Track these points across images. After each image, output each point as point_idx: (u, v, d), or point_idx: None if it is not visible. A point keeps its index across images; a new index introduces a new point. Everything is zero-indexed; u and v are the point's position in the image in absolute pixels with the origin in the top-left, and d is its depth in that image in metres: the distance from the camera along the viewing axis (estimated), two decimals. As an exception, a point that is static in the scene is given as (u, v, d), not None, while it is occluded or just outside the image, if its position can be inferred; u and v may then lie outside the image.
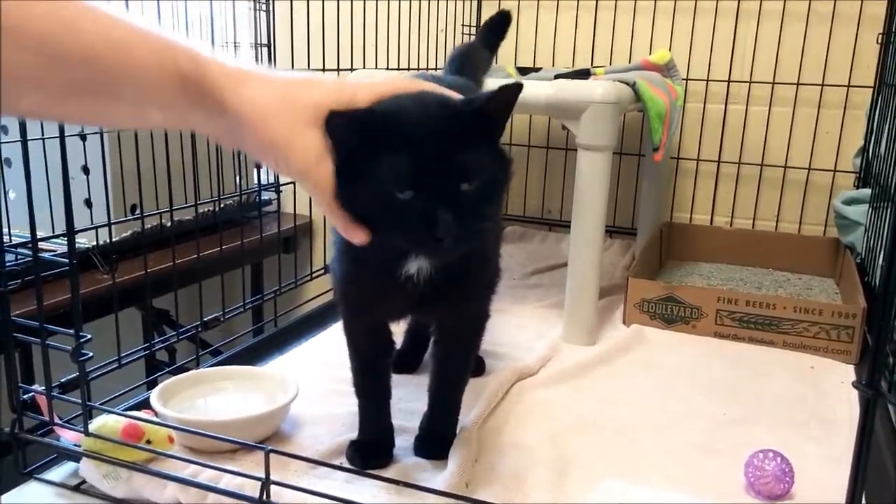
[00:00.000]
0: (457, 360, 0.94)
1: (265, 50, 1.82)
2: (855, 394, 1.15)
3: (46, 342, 0.83)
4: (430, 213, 0.66)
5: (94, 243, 1.42)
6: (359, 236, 0.69)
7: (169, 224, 1.39)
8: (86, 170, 1.50)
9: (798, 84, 1.81)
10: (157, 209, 1.34)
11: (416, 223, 0.66)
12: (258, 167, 1.74)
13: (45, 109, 0.56)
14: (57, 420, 0.86)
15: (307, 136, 0.64)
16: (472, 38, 2.03)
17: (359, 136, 0.65)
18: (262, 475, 0.74)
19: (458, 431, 0.94)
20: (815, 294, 1.58)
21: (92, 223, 1.42)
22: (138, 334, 1.79)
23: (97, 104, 0.57)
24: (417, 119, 0.67)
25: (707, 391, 1.16)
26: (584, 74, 1.58)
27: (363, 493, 0.82)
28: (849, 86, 1.77)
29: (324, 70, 1.55)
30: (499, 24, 1.30)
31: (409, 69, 1.81)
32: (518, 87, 0.70)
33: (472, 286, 0.85)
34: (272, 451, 0.75)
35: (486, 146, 0.69)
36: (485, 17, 2.05)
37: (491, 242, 0.89)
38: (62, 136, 0.81)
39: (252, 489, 0.77)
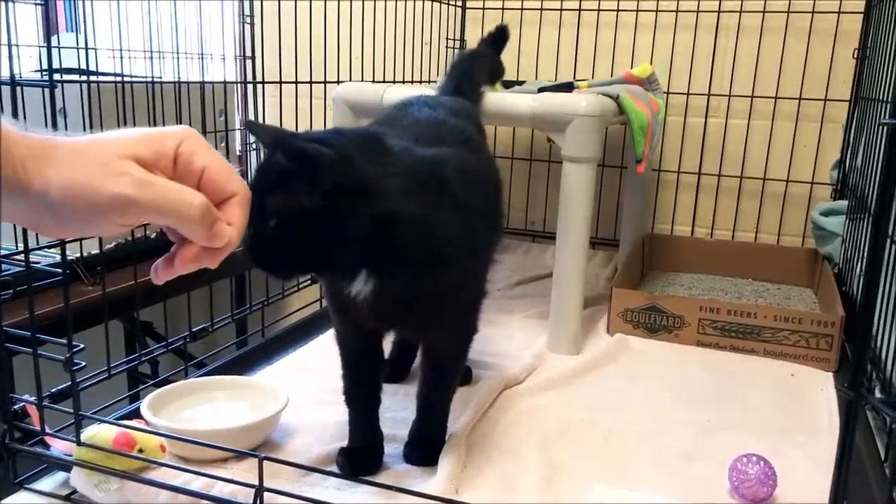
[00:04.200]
0: (442, 370, 0.95)
1: (249, 62, 1.83)
2: (835, 401, 1.17)
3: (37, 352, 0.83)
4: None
5: (79, 255, 1.42)
6: None
7: (153, 235, 1.40)
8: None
9: (776, 98, 1.85)
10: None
11: None
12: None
13: None
14: (47, 430, 0.86)
15: (124, 165, 0.54)
16: (457, 50, 2.06)
17: None
18: (255, 483, 0.75)
19: (447, 438, 0.95)
20: (793, 303, 1.61)
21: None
22: (121, 347, 1.78)
23: None
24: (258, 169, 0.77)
25: (691, 398, 1.18)
26: (567, 87, 1.61)
27: (354, 499, 0.83)
28: (826, 99, 1.81)
29: (310, 83, 1.56)
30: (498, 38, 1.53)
31: (394, 82, 1.82)
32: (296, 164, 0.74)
33: (433, 309, 0.86)
34: (266, 458, 0.75)
35: (304, 192, 0.73)
36: (468, 30, 2.10)
37: (453, 273, 0.84)
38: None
39: (245, 496, 0.77)
